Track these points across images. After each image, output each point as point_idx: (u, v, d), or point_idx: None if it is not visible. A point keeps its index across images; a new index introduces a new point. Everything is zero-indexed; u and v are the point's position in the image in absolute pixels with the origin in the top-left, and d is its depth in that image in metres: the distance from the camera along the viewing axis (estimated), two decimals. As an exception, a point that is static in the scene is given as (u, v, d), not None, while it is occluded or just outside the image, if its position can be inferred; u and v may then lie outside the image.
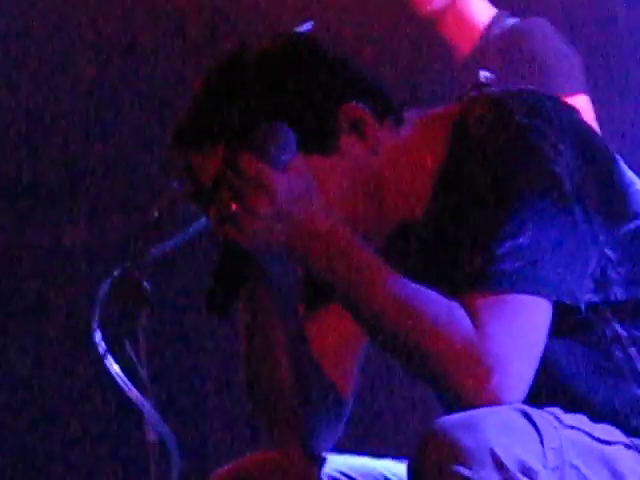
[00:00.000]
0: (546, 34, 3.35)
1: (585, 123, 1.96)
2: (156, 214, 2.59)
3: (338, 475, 2.05)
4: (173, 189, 2.47)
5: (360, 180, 1.94)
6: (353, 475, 2.06)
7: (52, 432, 4.53)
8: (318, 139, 1.90)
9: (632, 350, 1.92)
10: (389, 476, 2.06)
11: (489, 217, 1.84)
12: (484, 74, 2.01)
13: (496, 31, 3.40)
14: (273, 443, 2.10)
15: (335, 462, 2.07)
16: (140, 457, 2.61)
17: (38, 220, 4.80)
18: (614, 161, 1.91)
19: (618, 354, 1.92)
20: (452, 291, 1.84)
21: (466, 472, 1.67)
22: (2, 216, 4.64)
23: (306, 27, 1.79)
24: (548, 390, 1.88)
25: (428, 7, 3.30)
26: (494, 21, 3.41)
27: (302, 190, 1.83)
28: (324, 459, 2.07)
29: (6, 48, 4.58)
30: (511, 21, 3.41)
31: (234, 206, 1.80)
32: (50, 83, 4.84)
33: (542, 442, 1.73)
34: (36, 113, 4.74)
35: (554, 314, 1.83)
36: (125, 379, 2.42)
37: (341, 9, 3.61)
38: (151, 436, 2.52)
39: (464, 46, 3.41)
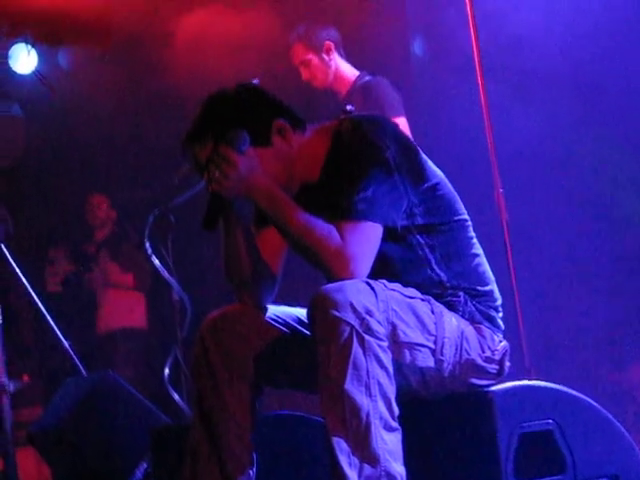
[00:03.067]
0: (384, 84, 4.54)
1: (401, 130, 2.61)
2: (177, 181, 3.39)
3: (274, 316, 2.69)
4: (187, 166, 3.11)
5: (282, 161, 2.60)
6: (282, 316, 2.68)
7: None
8: (261, 139, 2.57)
9: (427, 250, 2.59)
10: (302, 317, 2.66)
11: (350, 180, 2.49)
12: (350, 107, 2.82)
13: (358, 83, 4.60)
14: (239, 300, 2.70)
15: (271, 310, 2.71)
16: (169, 308, 3.56)
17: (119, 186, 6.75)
18: (417, 151, 2.61)
19: (420, 252, 2.59)
20: (330, 220, 2.47)
21: (337, 313, 2.31)
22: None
23: (255, 81, 2.71)
24: (381, 271, 2.50)
25: (319, 85, 4.63)
26: (358, 78, 4.65)
27: (252, 166, 2.50)
28: (266, 308, 2.70)
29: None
30: (367, 77, 4.61)
31: (217, 173, 2.48)
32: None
33: (376, 297, 2.37)
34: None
35: (385, 231, 2.48)
36: (161, 266, 3.36)
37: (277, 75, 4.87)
38: (175, 297, 3.45)
39: (342, 91, 4.63)
